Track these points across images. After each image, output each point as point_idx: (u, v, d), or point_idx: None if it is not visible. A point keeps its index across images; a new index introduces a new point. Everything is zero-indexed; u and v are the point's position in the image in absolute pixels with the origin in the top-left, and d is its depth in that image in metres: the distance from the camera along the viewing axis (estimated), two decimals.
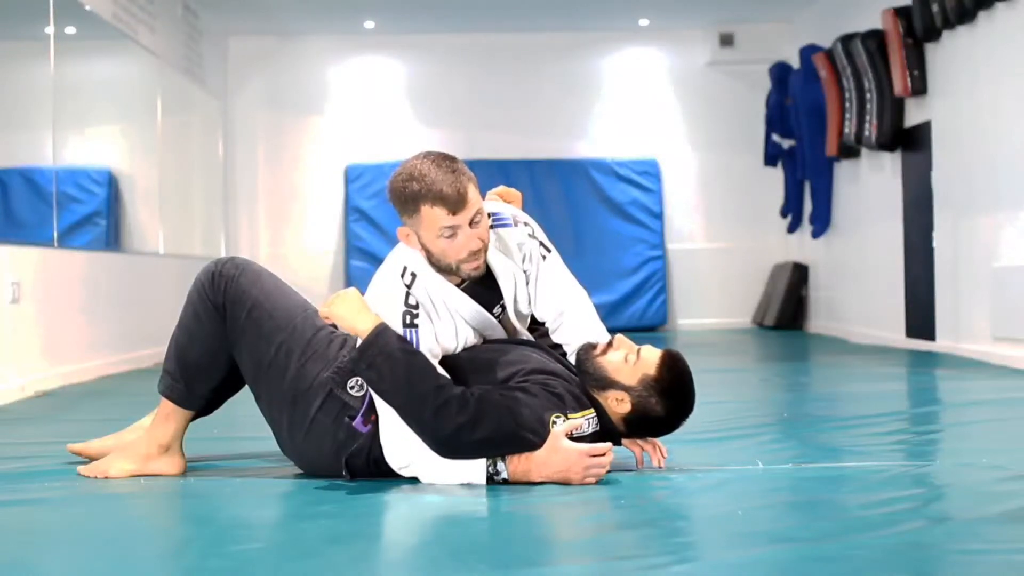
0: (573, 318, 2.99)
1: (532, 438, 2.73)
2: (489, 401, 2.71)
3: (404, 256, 2.89)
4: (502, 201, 3.21)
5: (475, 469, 2.74)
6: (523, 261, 2.97)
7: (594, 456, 2.73)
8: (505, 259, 2.94)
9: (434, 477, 2.77)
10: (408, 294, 2.82)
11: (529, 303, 3.01)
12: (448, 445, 2.71)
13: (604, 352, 2.87)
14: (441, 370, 2.78)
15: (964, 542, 2.21)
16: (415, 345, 2.77)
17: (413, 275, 2.85)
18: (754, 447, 3.44)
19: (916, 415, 4.40)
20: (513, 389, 2.77)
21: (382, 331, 2.75)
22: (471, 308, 2.89)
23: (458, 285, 2.89)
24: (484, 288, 2.91)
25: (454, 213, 2.73)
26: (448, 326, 2.86)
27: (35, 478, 3.04)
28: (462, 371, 2.83)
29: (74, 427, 4.20)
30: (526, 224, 3.01)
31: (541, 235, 3.03)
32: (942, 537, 2.25)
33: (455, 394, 2.70)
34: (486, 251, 2.86)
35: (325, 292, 10.88)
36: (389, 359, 2.71)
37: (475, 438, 2.70)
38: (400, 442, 2.76)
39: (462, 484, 2.76)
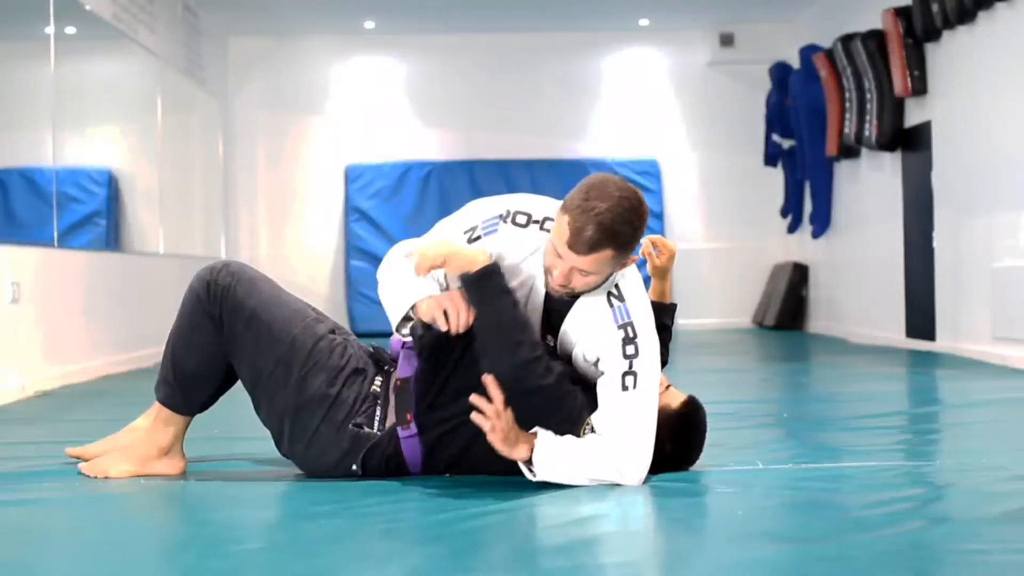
0: (594, 449, 2.71)
1: (566, 424, 2.74)
2: (562, 381, 2.75)
3: (544, 210, 2.87)
4: (653, 248, 3.10)
5: (402, 305, 2.80)
6: (597, 352, 2.79)
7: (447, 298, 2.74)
8: (590, 324, 2.79)
9: (381, 294, 2.88)
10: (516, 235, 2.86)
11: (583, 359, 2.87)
12: (519, 391, 2.69)
13: None
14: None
15: (964, 542, 2.21)
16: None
17: (542, 222, 2.84)
18: (754, 447, 3.44)
19: (916, 415, 4.41)
20: (576, 383, 2.81)
21: (499, 270, 2.78)
22: (536, 298, 2.86)
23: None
24: (556, 310, 2.85)
25: (568, 247, 2.64)
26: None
27: (35, 478, 3.04)
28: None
29: (74, 427, 4.20)
30: (633, 336, 2.76)
31: (646, 367, 2.74)
32: (942, 537, 2.25)
33: (545, 356, 2.73)
34: (568, 291, 2.75)
35: (325, 292, 10.89)
36: (505, 295, 2.75)
37: (533, 400, 2.70)
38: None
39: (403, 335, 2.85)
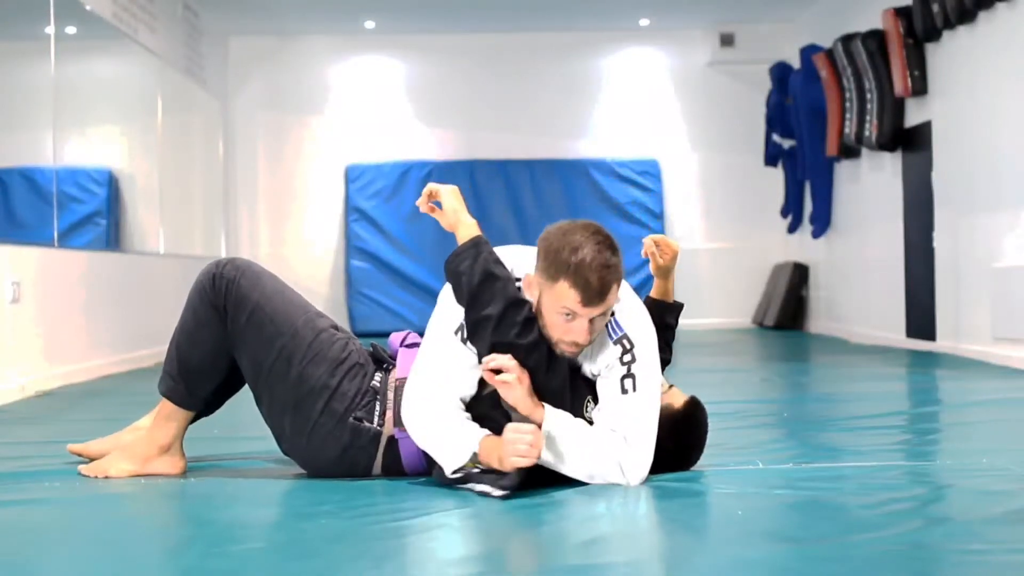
0: (608, 439, 2.73)
1: (564, 387, 2.76)
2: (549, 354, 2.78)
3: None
4: (656, 248, 3.07)
5: (460, 454, 2.71)
6: (599, 367, 2.81)
7: (517, 434, 2.61)
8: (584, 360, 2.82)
9: (425, 435, 2.76)
10: None
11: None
12: (526, 346, 2.72)
13: None
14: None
15: (964, 542, 2.21)
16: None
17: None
18: (754, 447, 3.44)
19: (916, 415, 4.40)
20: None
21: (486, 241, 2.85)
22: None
23: None
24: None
25: (585, 305, 2.64)
26: None
27: (35, 478, 3.04)
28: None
29: (74, 427, 4.20)
30: (630, 347, 2.78)
31: (644, 371, 2.77)
32: (942, 537, 2.25)
33: (532, 320, 2.75)
34: (586, 344, 2.75)
35: (326, 292, 10.89)
36: (499, 263, 2.80)
37: (536, 353, 2.72)
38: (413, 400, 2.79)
39: (454, 475, 2.74)
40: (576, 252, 2.63)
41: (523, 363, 2.72)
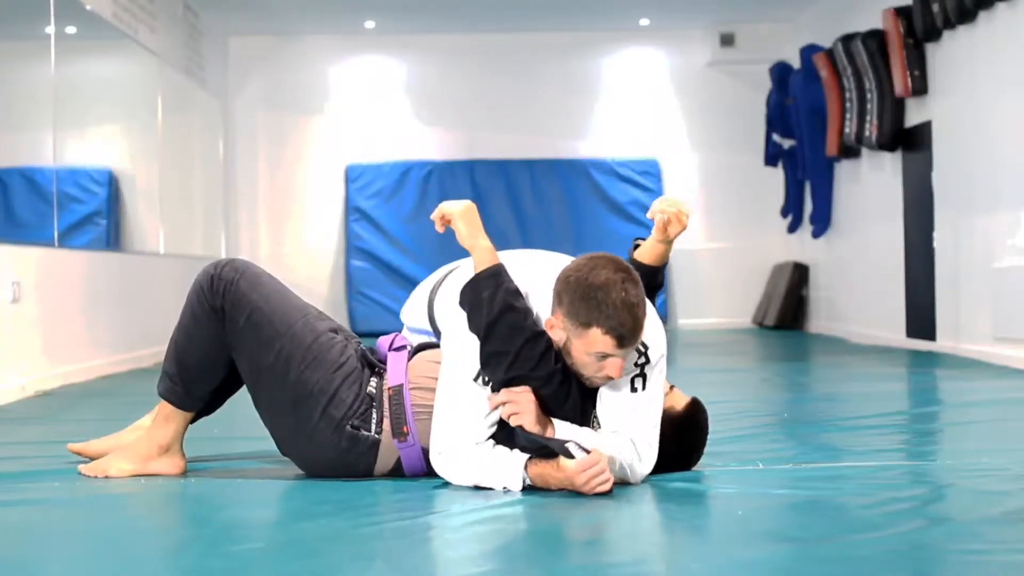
0: (617, 442, 2.76)
1: (575, 407, 2.77)
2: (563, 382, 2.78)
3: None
4: (664, 212, 3.08)
5: (512, 476, 2.72)
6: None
7: (588, 468, 2.63)
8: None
9: (467, 479, 2.77)
10: None
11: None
12: (540, 377, 2.72)
13: None
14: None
15: (964, 542, 2.21)
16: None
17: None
18: (754, 447, 3.44)
19: (916, 415, 4.40)
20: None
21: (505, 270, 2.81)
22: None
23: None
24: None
25: (620, 347, 2.66)
26: None
27: (35, 478, 3.04)
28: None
29: (74, 427, 4.20)
30: (644, 350, 2.78)
31: (654, 371, 2.80)
32: (942, 537, 2.25)
33: (548, 351, 2.74)
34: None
35: (326, 292, 10.89)
36: (518, 294, 2.77)
37: (555, 381, 2.73)
38: (444, 433, 2.78)
39: (473, 485, 2.76)
40: (604, 294, 2.62)
41: (537, 390, 2.73)
